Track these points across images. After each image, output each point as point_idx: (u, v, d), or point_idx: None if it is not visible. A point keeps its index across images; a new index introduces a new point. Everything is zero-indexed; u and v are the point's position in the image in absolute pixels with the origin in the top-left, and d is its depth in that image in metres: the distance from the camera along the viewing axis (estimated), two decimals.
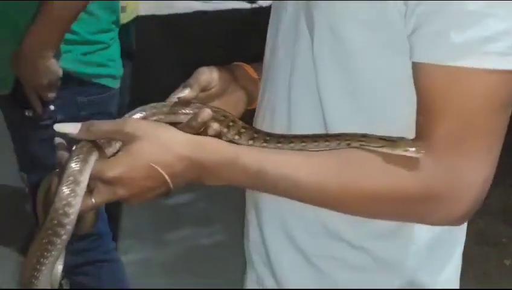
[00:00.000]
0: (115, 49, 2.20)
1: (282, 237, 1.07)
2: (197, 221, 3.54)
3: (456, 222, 0.94)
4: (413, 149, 0.87)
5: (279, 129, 1.03)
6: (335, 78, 0.97)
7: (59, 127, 0.94)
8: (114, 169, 0.89)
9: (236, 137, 0.99)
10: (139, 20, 2.68)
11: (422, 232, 1.01)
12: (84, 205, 0.91)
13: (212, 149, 0.92)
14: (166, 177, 0.90)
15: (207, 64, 1.08)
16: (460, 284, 1.11)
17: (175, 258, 3.18)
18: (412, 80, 0.91)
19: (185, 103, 1.00)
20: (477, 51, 0.84)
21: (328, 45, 0.96)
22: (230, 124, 0.99)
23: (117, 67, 2.22)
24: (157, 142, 0.91)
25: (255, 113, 1.13)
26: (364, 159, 0.91)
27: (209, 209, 3.59)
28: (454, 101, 0.87)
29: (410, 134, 0.91)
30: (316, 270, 1.05)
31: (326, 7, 0.95)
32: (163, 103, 1.02)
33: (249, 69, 1.16)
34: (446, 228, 1.01)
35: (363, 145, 0.91)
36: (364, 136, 0.92)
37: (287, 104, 1.03)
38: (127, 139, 0.91)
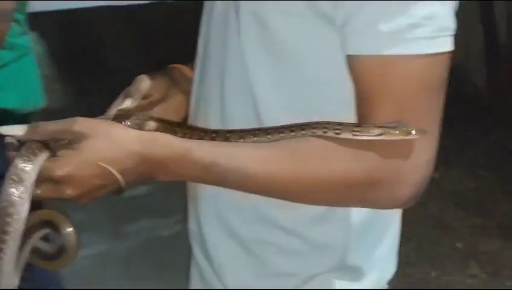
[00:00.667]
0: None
1: (218, 225, 1.08)
2: (156, 212, 3.53)
3: (403, 205, 0.96)
4: (414, 132, 0.88)
5: (213, 123, 1.04)
6: (265, 69, 0.98)
7: (5, 130, 0.92)
8: (62, 168, 0.87)
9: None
10: (99, 12, 2.64)
11: (353, 216, 1.03)
12: None
13: (163, 144, 0.91)
14: (116, 174, 0.89)
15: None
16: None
17: (134, 250, 3.18)
18: (345, 69, 0.93)
19: (126, 114, 0.99)
20: (405, 38, 0.88)
21: (255, 34, 0.97)
22: (186, 131, 0.97)
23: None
24: (107, 140, 0.89)
25: (190, 106, 1.12)
26: (313, 147, 0.92)
27: (168, 200, 3.58)
28: (388, 88, 0.90)
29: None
30: (253, 256, 1.07)
31: None
32: (103, 117, 0.98)
33: (185, 70, 1.15)
34: (376, 211, 1.03)
35: (357, 135, 0.90)
36: (357, 126, 0.91)
37: (220, 98, 1.04)
38: (77, 138, 0.89)
